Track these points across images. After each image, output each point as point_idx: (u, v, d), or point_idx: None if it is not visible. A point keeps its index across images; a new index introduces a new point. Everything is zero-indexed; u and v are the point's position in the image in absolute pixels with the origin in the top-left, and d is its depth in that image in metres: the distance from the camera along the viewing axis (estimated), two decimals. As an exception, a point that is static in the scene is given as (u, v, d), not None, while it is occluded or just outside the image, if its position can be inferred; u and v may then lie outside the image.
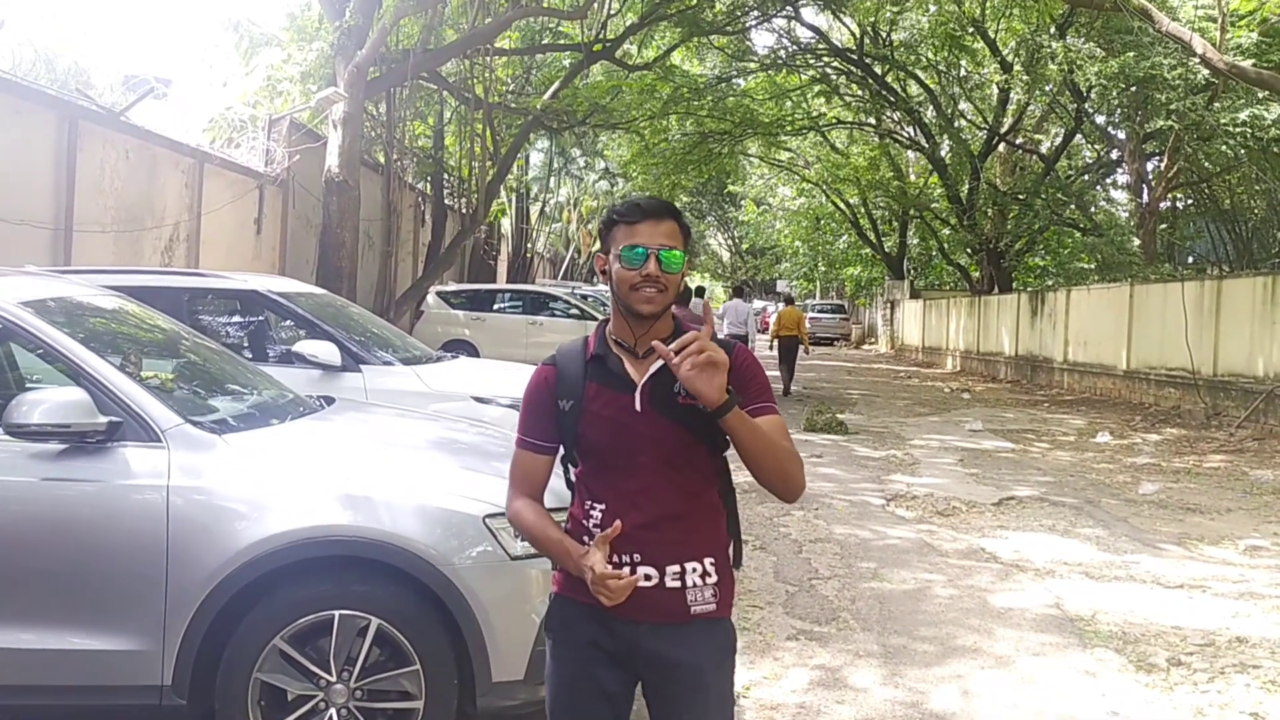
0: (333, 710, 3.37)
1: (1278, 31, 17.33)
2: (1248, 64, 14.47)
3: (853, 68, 25.38)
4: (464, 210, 22.04)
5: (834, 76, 26.14)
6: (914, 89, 26.61)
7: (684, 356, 2.06)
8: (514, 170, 27.49)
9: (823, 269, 43.01)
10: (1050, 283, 26.17)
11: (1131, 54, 17.21)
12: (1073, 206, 23.31)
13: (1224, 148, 17.96)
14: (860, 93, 26.99)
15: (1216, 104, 17.25)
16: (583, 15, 18.17)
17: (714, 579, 2.30)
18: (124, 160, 11.41)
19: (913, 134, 28.33)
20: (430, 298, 18.79)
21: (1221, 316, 14.92)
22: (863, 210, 33.60)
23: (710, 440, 2.25)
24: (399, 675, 3.41)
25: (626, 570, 2.21)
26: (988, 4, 22.74)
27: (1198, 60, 14.85)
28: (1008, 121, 25.59)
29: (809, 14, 25.10)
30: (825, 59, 25.61)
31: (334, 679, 3.38)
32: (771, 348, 19.32)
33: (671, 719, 2.28)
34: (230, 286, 7.20)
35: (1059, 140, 26.05)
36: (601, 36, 19.99)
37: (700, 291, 20.32)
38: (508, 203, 31.14)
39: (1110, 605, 5.75)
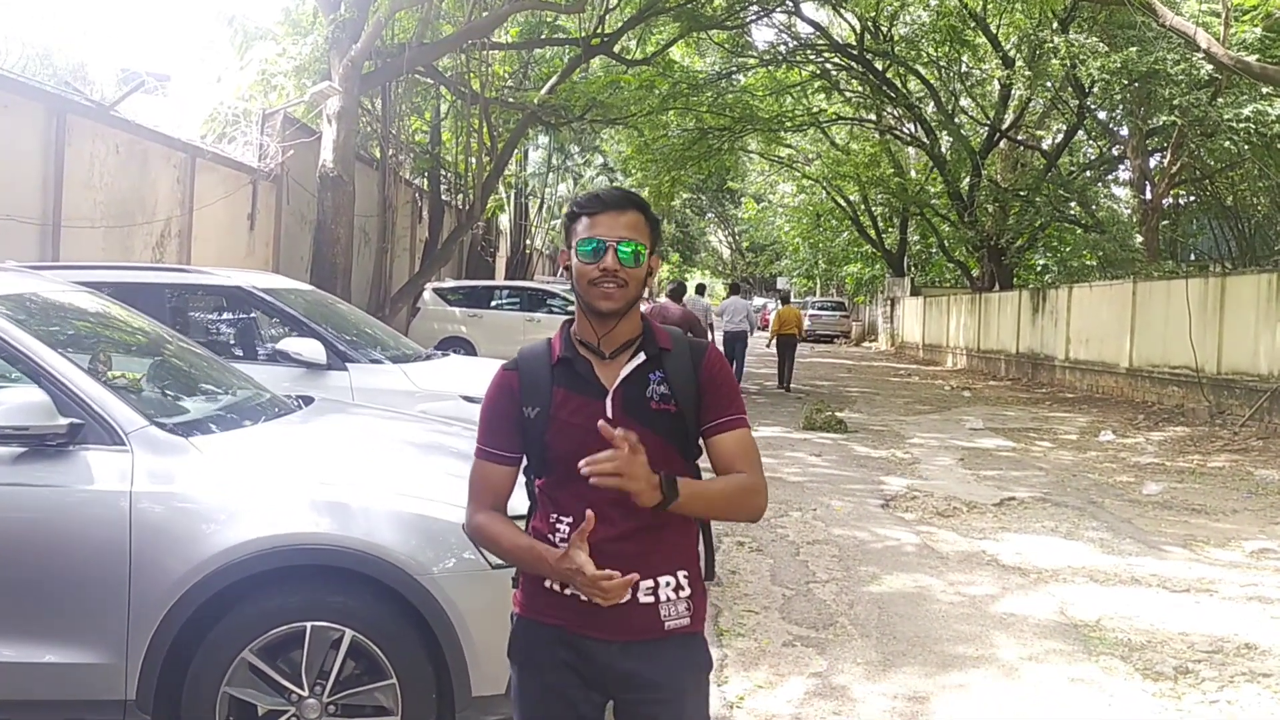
0: (305, 725, 3.21)
1: (1281, 26, 17.17)
2: (1252, 59, 14.33)
3: (853, 63, 25.22)
4: (461, 206, 21.88)
5: (834, 72, 25.98)
6: (915, 85, 26.45)
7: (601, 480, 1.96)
8: (512, 166, 27.34)
9: (823, 266, 42.89)
10: (1051, 279, 26.02)
11: (1135, 49, 17.04)
12: (1075, 203, 23.16)
13: (1227, 144, 17.79)
14: (861, 88, 26.84)
15: (1220, 100, 17.09)
16: (581, 9, 17.99)
17: (687, 592, 2.18)
18: (114, 155, 11.25)
19: (913, 130, 28.17)
20: (427, 294, 18.66)
21: (1225, 314, 14.77)
22: (863, 207, 33.45)
23: (683, 447, 2.14)
24: (374, 689, 3.26)
25: None
26: (989, -1, 22.63)
27: (1202, 55, 14.71)
28: (1009, 117, 25.43)
29: (809, 9, 25.04)
30: (825, 54, 25.45)
31: (306, 693, 3.23)
32: (770, 345, 19.66)
33: None
34: (215, 283, 7.04)
35: (1061, 136, 25.89)
36: (599, 31, 19.82)
37: (701, 289, 20.35)
38: (506, 199, 30.99)
39: (1115, 610, 5.61)
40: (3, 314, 3.39)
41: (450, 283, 21.00)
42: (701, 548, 2.27)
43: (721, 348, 14.16)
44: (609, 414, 2.10)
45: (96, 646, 3.15)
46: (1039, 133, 27.64)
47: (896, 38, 24.53)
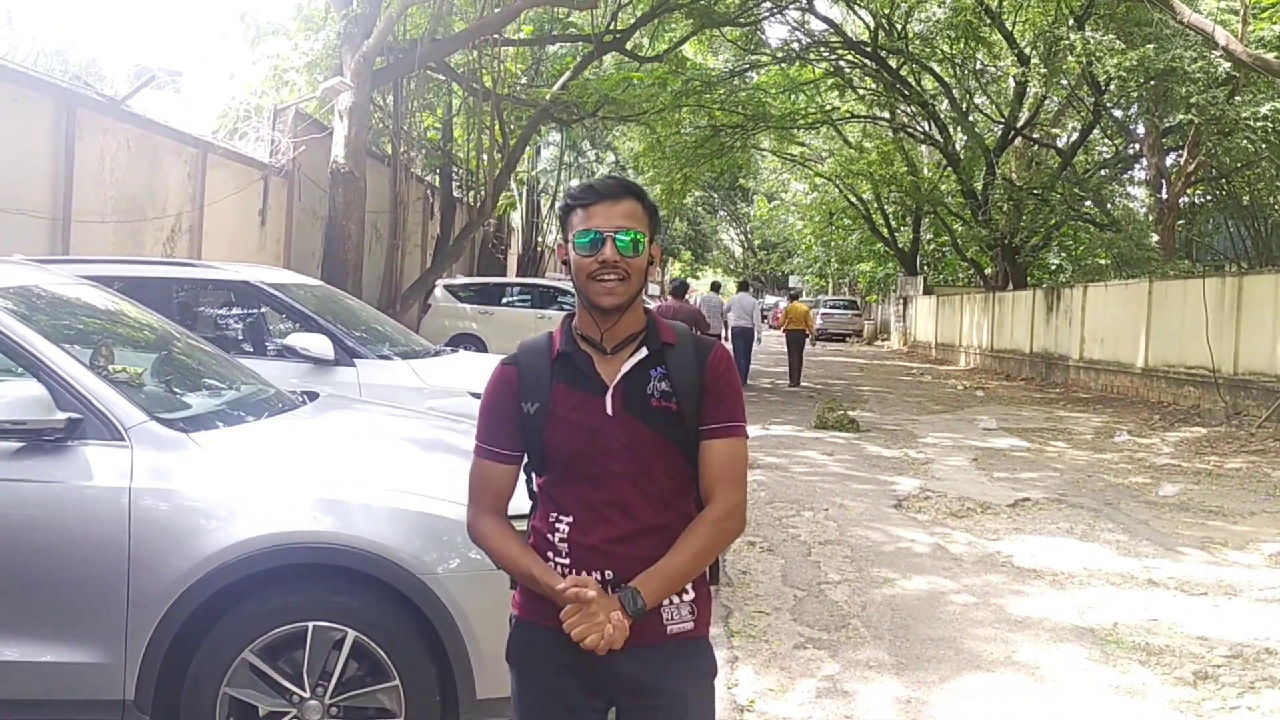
0: (306, 727, 3.15)
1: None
2: (1270, 56, 14.18)
3: (867, 60, 25.08)
4: (473, 203, 21.85)
5: (847, 69, 25.85)
6: (929, 82, 26.30)
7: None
8: (524, 163, 27.29)
9: (835, 265, 42.73)
10: (1065, 279, 25.84)
11: (1151, 46, 16.89)
12: (1090, 202, 22.98)
13: (1245, 142, 17.63)
14: (874, 86, 26.70)
15: (1237, 98, 16.93)
16: (593, 5, 17.91)
17: (691, 596, 2.10)
18: (125, 149, 11.24)
19: (927, 128, 28.00)
20: (438, 291, 18.62)
21: (1243, 314, 14.61)
22: (876, 205, 33.30)
23: (685, 446, 2.06)
24: (377, 691, 3.19)
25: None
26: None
27: (1220, 53, 14.56)
28: (1024, 115, 25.24)
29: (823, 5, 24.97)
30: (839, 51, 25.32)
31: (308, 694, 3.16)
32: (780, 329, 20.31)
33: None
34: (222, 278, 6.99)
35: (1077, 134, 25.70)
36: (612, 27, 19.75)
37: (716, 286, 20.48)
38: (518, 196, 30.95)
39: (1133, 614, 5.51)
40: (2, 307, 3.34)
41: (461, 279, 20.96)
42: None
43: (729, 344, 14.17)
44: (609, 410, 2.03)
45: (94, 645, 3.09)
46: (1054, 131, 27.41)
47: (911, 34, 24.38)
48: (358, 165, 13.92)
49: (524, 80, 23.04)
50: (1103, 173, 25.67)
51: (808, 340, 19.46)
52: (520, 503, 2.19)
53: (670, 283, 18.96)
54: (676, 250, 53.91)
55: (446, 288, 18.89)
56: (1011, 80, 24.94)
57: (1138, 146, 22.93)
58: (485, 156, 19.99)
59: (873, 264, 38.76)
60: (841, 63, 25.64)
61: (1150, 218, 21.74)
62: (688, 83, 22.57)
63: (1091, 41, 18.23)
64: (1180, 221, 22.43)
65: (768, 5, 22.54)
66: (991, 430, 13.22)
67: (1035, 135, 26.56)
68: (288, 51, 15.54)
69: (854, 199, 33.19)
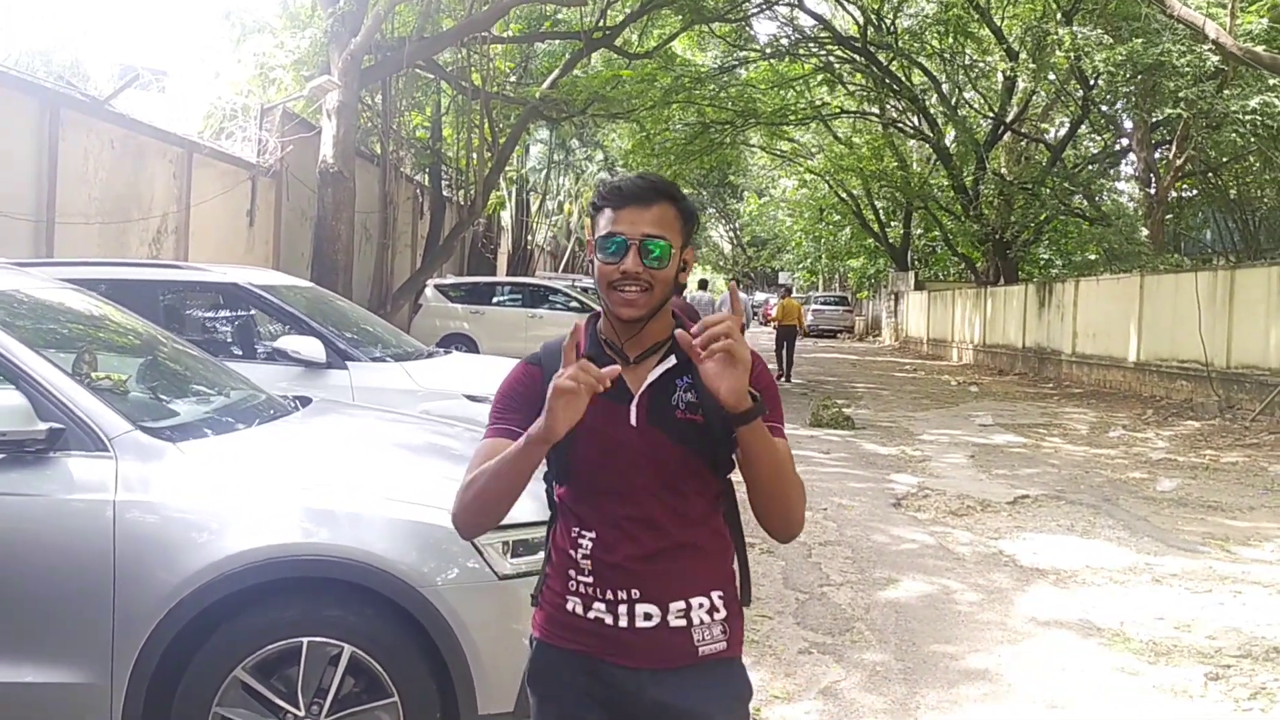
0: (301, 746, 3.05)
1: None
2: (1260, 49, 14.14)
3: (856, 56, 25.01)
4: (462, 202, 21.71)
5: (837, 65, 25.77)
6: (918, 77, 26.25)
7: (710, 349, 1.72)
8: (513, 162, 27.16)
9: (825, 261, 42.66)
10: (1056, 273, 25.82)
11: (1140, 40, 16.85)
12: (1079, 196, 22.96)
13: (1233, 136, 17.61)
14: (864, 81, 26.63)
15: (1226, 91, 16.92)
16: (583, 2, 17.79)
17: (722, 614, 1.98)
18: (109, 150, 11.08)
19: (917, 123, 27.95)
20: (428, 291, 18.50)
21: (1235, 307, 14.59)
22: (866, 200, 33.24)
23: (713, 459, 1.93)
24: (375, 708, 3.08)
25: (624, 610, 1.91)
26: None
27: (1209, 46, 14.51)
28: (1014, 110, 25.23)
29: (812, 1, 24.80)
30: (828, 47, 25.24)
31: (303, 713, 3.05)
32: (772, 327, 20.87)
33: None
34: (209, 280, 6.85)
35: (1066, 129, 25.69)
36: (601, 24, 19.63)
37: (704, 284, 20.27)
38: (507, 195, 30.81)
39: (1138, 613, 5.43)
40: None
41: (452, 279, 20.84)
42: (736, 566, 2.07)
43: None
44: (633, 421, 1.91)
45: (79, 665, 2.97)
46: (1043, 125, 27.40)
47: (900, 30, 24.33)
48: (346, 165, 13.78)
49: (513, 78, 22.91)
50: (1092, 167, 25.66)
51: (799, 334, 19.88)
52: (520, 512, 2.07)
53: None
54: (698, 243, 53.72)
55: (437, 288, 18.77)
56: (1000, 75, 24.91)
57: (1126, 141, 22.92)
58: (475, 155, 19.86)
59: (864, 260, 38.70)
60: (831, 58, 25.55)
61: (1139, 212, 21.74)
62: (677, 79, 22.45)
63: (1080, 36, 18.18)
64: (1169, 215, 22.44)
65: (757, 1, 22.43)
66: (988, 426, 13.16)
67: (1024, 130, 26.54)
68: (274, 50, 15.38)
69: (844, 194, 33.12)
